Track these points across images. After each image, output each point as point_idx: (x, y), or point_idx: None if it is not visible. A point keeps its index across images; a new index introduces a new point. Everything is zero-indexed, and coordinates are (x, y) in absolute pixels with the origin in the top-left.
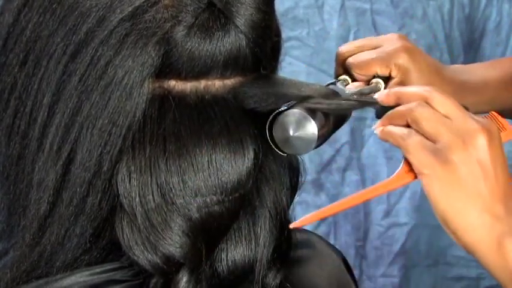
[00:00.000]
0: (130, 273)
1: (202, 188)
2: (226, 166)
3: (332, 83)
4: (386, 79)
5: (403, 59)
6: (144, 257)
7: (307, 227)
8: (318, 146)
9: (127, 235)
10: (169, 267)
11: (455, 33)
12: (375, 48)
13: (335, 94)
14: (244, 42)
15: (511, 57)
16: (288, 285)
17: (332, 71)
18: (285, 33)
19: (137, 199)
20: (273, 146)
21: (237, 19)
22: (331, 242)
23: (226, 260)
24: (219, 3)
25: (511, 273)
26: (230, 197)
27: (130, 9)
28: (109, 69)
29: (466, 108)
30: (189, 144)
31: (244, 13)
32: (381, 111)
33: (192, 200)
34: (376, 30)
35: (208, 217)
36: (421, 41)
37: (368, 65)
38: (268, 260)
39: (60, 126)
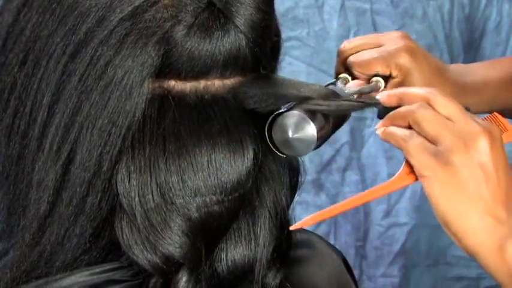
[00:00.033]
0: (129, 273)
1: (201, 187)
2: (225, 166)
3: (332, 83)
4: (387, 77)
5: (404, 59)
6: (143, 256)
7: (307, 227)
8: (317, 147)
9: (126, 235)
10: (169, 267)
11: (455, 33)
12: (376, 46)
13: (335, 95)
14: (244, 42)
15: (511, 57)
16: (287, 285)
17: (332, 71)
18: (285, 33)
19: (137, 199)
20: (273, 148)
21: (237, 19)
22: (331, 242)
23: (226, 259)
24: (219, 3)
25: None
26: (230, 197)
27: (130, 8)
28: (109, 69)
29: (468, 109)
30: (189, 144)
31: (244, 13)
32: (383, 111)
33: (191, 200)
34: (376, 30)
35: (207, 217)
36: (421, 41)
37: (369, 64)
38: (268, 260)
39: (60, 126)
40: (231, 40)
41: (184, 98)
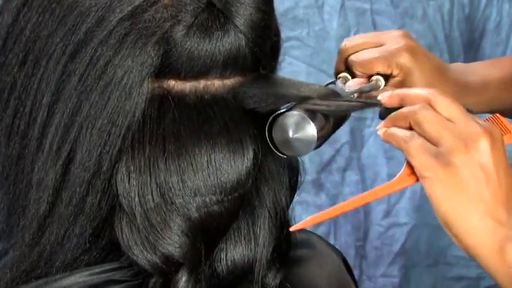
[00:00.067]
0: (129, 273)
1: (201, 187)
2: (225, 166)
3: (331, 82)
4: (387, 76)
5: (405, 59)
6: (143, 256)
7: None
8: (317, 146)
9: (126, 235)
10: (169, 267)
11: (455, 33)
12: (377, 45)
13: (335, 94)
14: (243, 42)
15: (511, 57)
16: (287, 285)
17: (332, 71)
18: (285, 33)
19: (136, 199)
20: (273, 148)
21: (237, 19)
22: (331, 242)
23: (226, 259)
24: (219, 3)
25: None
26: (229, 197)
27: (129, 8)
28: (108, 69)
29: (470, 111)
30: (189, 144)
31: (243, 13)
32: (384, 112)
33: (191, 200)
34: (376, 30)
35: (207, 217)
36: (421, 41)
37: (370, 64)
38: (267, 260)
39: (60, 126)
40: (231, 40)
41: (184, 98)
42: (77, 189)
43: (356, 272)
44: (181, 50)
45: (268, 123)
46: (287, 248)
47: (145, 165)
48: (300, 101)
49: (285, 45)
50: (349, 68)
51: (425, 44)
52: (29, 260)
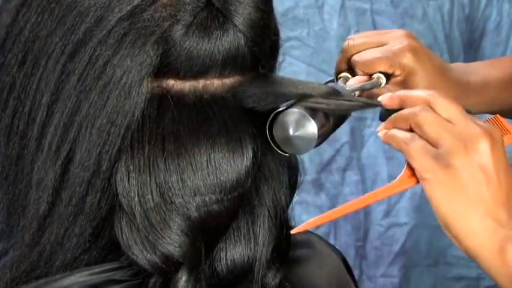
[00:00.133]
0: (129, 273)
1: (201, 187)
2: (225, 165)
3: (331, 81)
4: (389, 75)
5: (408, 59)
6: (143, 256)
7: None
8: (318, 144)
9: (126, 234)
10: (168, 267)
11: (455, 33)
12: (380, 45)
13: (335, 93)
14: (242, 41)
15: (511, 57)
16: (287, 284)
17: (332, 71)
18: (285, 33)
19: (136, 198)
20: (274, 146)
21: (236, 18)
22: (331, 242)
23: (226, 259)
24: (218, 2)
25: None
26: (229, 196)
27: (128, 8)
28: (107, 69)
29: (469, 112)
30: (188, 144)
31: (242, 12)
32: (385, 113)
33: (191, 199)
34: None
35: (207, 216)
36: (421, 41)
37: (373, 64)
38: (267, 260)
39: (59, 126)
40: (230, 39)
41: (183, 97)
42: (77, 189)
43: (356, 272)
44: (180, 50)
45: (268, 121)
46: (287, 247)
47: (145, 165)
48: (299, 98)
49: (285, 45)
50: (351, 68)
51: (425, 44)
52: (28, 260)
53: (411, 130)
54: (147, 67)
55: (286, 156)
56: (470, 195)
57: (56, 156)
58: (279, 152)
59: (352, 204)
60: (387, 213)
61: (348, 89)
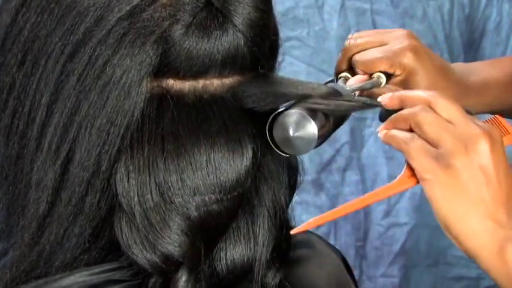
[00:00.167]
0: (129, 273)
1: (200, 186)
2: (224, 165)
3: (331, 81)
4: (389, 74)
5: (408, 59)
6: (142, 256)
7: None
8: (318, 145)
9: (126, 234)
10: (168, 267)
11: (455, 33)
12: (381, 44)
13: (335, 93)
14: (242, 41)
15: (511, 57)
16: (287, 284)
17: (332, 71)
18: (285, 33)
19: (136, 198)
20: (273, 147)
21: (235, 18)
22: (331, 242)
23: (225, 259)
24: (217, 2)
25: None
26: (229, 196)
27: (128, 8)
28: (107, 69)
29: (469, 112)
30: (188, 144)
31: (242, 12)
32: (385, 114)
33: (190, 199)
34: None
35: (207, 216)
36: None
37: (373, 64)
38: (267, 259)
39: (59, 125)
40: (230, 39)
41: (183, 97)
42: (76, 189)
43: (356, 272)
44: (180, 49)
45: (268, 122)
46: (287, 247)
47: (145, 165)
48: (299, 99)
49: (285, 45)
50: (351, 67)
51: (425, 44)
52: (28, 260)
53: (411, 130)
54: (147, 67)
55: (286, 156)
56: (470, 196)
57: (55, 156)
58: (279, 152)
59: (352, 204)
60: (387, 213)
61: (348, 88)
